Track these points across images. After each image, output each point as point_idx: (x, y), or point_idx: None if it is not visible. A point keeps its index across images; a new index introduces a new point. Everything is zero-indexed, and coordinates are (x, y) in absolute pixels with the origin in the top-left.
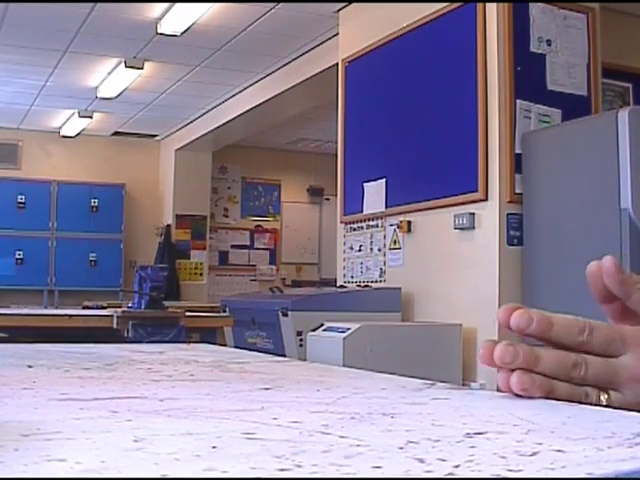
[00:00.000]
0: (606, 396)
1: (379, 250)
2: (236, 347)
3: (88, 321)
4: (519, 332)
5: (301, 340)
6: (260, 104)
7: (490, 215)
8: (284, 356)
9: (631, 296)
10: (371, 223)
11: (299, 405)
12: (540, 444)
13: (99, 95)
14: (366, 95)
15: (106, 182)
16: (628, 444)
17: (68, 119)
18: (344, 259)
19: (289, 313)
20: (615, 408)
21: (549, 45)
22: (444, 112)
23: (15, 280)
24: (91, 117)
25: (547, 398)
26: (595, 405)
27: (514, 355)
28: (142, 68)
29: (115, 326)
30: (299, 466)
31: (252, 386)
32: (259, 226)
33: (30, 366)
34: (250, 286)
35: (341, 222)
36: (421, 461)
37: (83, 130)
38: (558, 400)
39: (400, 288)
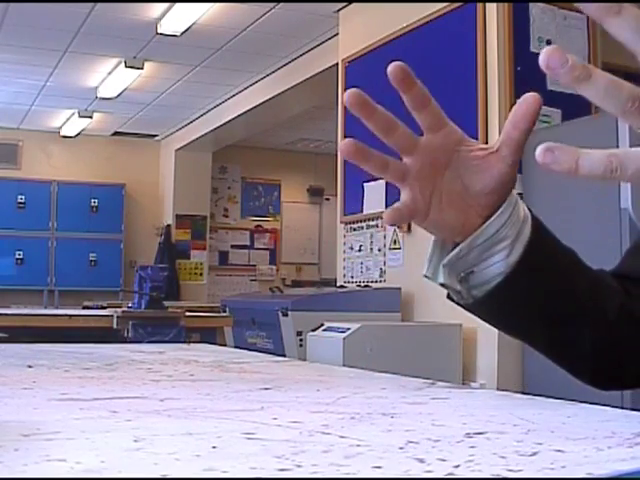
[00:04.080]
0: None
1: (379, 250)
2: (236, 347)
3: (88, 321)
4: (552, 70)
5: (301, 340)
6: (260, 104)
7: None
8: (284, 356)
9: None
10: (371, 223)
11: (299, 405)
12: (540, 444)
13: (99, 95)
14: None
15: (106, 182)
16: (628, 444)
17: (68, 119)
18: (344, 259)
19: (289, 313)
20: None
21: (549, 45)
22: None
23: (15, 280)
24: (91, 117)
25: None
26: None
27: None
28: (142, 68)
29: (115, 326)
30: (299, 466)
31: (252, 386)
32: (259, 226)
33: (30, 366)
34: (250, 286)
35: (341, 222)
36: (421, 461)
37: (83, 130)
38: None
39: (400, 288)
